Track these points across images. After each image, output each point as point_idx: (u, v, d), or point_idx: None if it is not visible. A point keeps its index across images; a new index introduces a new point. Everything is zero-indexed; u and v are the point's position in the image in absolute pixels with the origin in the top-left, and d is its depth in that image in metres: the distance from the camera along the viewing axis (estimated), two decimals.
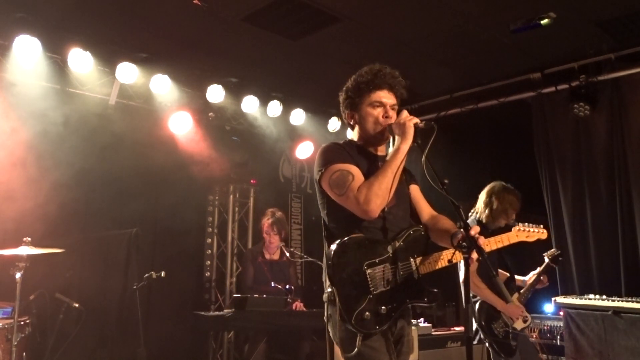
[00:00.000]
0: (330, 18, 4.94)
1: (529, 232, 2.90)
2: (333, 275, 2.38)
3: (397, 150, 2.47)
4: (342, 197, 2.45)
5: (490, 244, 2.63)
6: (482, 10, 4.79)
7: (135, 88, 5.73)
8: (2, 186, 4.78)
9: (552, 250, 4.38)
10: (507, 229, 3.14)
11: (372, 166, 2.56)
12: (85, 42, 5.10)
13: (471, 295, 3.96)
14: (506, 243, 2.77)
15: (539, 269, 4.31)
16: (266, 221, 5.59)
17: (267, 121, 6.62)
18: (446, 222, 2.63)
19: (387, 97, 2.61)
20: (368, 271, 2.39)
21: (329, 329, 2.50)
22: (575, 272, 5.76)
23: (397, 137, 2.50)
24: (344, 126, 6.70)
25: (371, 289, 2.38)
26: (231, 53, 5.69)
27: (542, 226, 2.97)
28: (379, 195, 2.38)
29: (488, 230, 4.05)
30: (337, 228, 2.53)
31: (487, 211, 4.14)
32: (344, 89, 2.70)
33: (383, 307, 2.37)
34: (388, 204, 2.49)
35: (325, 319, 2.53)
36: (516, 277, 4.35)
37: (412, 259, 2.50)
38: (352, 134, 2.75)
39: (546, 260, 4.31)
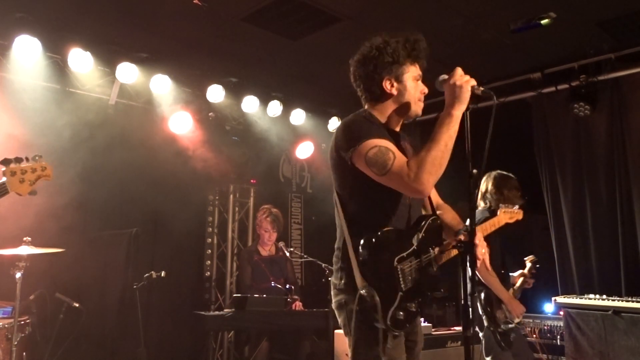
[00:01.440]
0: (330, 18, 4.94)
1: (512, 213, 2.95)
2: (367, 274, 2.20)
3: (449, 118, 2.20)
4: (384, 177, 2.19)
5: (487, 229, 2.63)
6: (482, 10, 4.79)
7: (135, 88, 5.74)
8: None
9: (531, 256, 4.40)
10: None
11: (397, 145, 2.32)
12: (85, 42, 5.10)
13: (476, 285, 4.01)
14: (497, 225, 2.82)
15: (523, 271, 4.34)
16: (265, 218, 5.57)
17: (267, 121, 6.62)
18: (453, 217, 2.54)
19: (422, 72, 2.48)
20: (399, 267, 2.24)
21: (342, 316, 2.33)
22: (575, 272, 5.75)
23: (447, 101, 2.23)
24: None
25: (402, 285, 2.23)
26: (231, 53, 5.69)
27: (516, 206, 3.03)
28: (432, 172, 2.14)
29: None
30: (362, 212, 2.32)
31: (501, 202, 4.08)
32: (388, 50, 2.38)
33: (412, 305, 2.25)
34: None
35: (335, 305, 2.36)
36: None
37: (431, 250, 2.38)
38: (367, 107, 2.46)
39: (528, 265, 4.34)
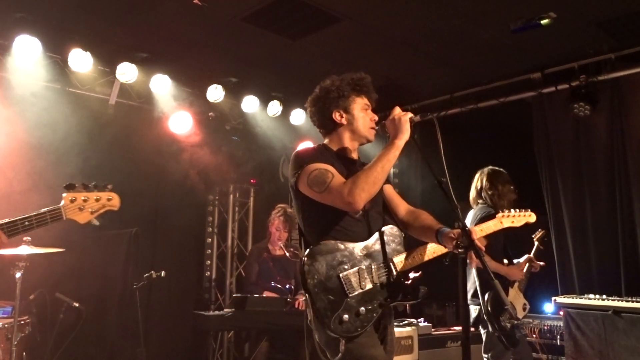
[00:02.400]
0: (330, 18, 4.94)
1: (514, 217, 2.93)
2: (307, 285, 2.37)
3: (392, 146, 2.44)
4: (323, 194, 2.41)
5: (475, 234, 2.63)
6: (482, 10, 4.78)
7: (135, 88, 5.73)
8: (1, 185, 4.78)
9: (538, 231, 4.48)
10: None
11: (350, 171, 2.53)
12: (85, 42, 5.10)
13: (480, 289, 4.05)
14: (491, 230, 2.81)
15: (529, 255, 4.40)
16: (278, 217, 5.52)
17: (267, 121, 6.62)
18: (427, 218, 2.66)
19: (371, 103, 2.69)
20: (341, 275, 2.39)
21: (314, 333, 2.51)
22: (575, 272, 5.75)
23: (391, 135, 2.49)
24: None
25: (347, 292, 2.37)
26: (231, 53, 5.69)
27: (529, 210, 3.00)
28: (365, 189, 2.34)
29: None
30: (311, 233, 2.53)
31: (495, 197, 4.27)
32: (332, 88, 2.66)
33: (362, 309, 2.37)
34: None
35: (309, 322, 2.54)
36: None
37: (388, 259, 2.51)
38: (326, 140, 2.73)
39: (536, 243, 4.43)
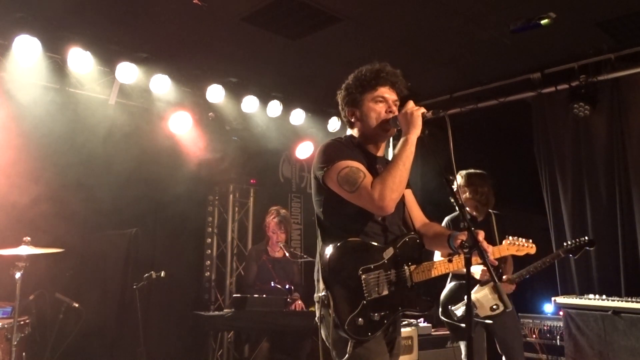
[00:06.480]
0: (330, 18, 4.94)
1: (519, 246, 2.95)
2: (328, 280, 2.35)
3: (405, 141, 2.43)
4: (354, 195, 2.39)
5: (481, 235, 2.64)
6: (482, 10, 4.79)
7: (135, 88, 5.73)
8: (1, 186, 4.78)
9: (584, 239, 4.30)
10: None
11: (371, 167, 2.52)
12: (85, 42, 5.09)
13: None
14: (497, 256, 2.81)
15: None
16: (272, 220, 5.55)
17: (267, 121, 6.62)
18: (440, 227, 2.67)
19: (389, 93, 2.61)
20: (363, 277, 2.37)
21: (322, 330, 2.47)
22: (575, 272, 5.76)
23: (403, 129, 2.46)
24: (343, 126, 6.66)
25: (365, 294, 2.36)
26: (231, 53, 5.69)
27: (531, 241, 3.01)
28: (394, 189, 2.35)
29: (474, 221, 4.31)
30: (333, 227, 2.50)
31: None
32: (344, 86, 2.68)
33: (376, 314, 2.36)
34: None
35: (317, 319, 2.49)
36: None
37: (406, 267, 2.50)
38: (352, 132, 2.71)
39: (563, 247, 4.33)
